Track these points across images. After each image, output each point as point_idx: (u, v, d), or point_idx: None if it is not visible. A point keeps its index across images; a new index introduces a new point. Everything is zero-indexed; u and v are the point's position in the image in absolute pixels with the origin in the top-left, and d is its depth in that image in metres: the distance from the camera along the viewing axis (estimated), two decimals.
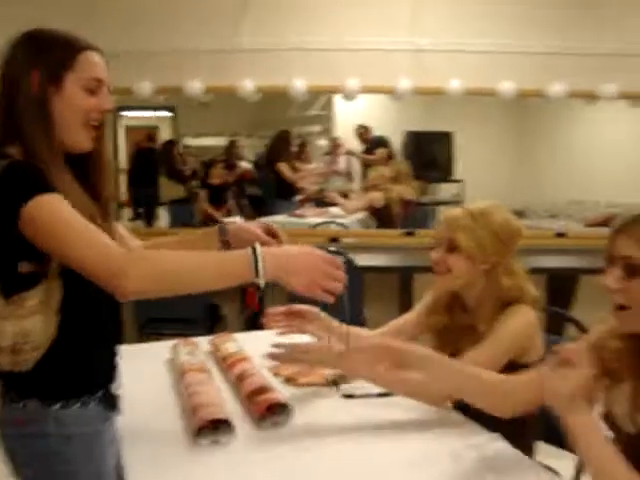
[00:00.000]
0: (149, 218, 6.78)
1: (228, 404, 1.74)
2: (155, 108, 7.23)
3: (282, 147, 6.14)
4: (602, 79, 4.81)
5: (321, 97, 6.21)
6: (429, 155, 6.78)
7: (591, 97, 4.93)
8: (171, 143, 6.71)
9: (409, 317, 2.12)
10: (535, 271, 4.12)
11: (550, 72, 4.79)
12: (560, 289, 4.45)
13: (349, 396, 1.89)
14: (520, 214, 7.05)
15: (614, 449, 1.25)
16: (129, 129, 8.29)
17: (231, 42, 4.64)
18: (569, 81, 4.78)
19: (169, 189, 6.45)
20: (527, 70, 4.77)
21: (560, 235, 5.16)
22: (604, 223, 6.61)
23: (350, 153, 6.55)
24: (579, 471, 1.85)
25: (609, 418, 1.39)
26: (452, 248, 1.86)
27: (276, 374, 2.05)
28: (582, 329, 2.21)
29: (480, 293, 1.89)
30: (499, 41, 4.70)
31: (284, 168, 6.07)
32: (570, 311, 3.67)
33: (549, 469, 1.61)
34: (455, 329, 1.94)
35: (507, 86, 4.73)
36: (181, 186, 6.37)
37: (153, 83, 4.68)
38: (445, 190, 6.88)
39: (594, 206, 7.01)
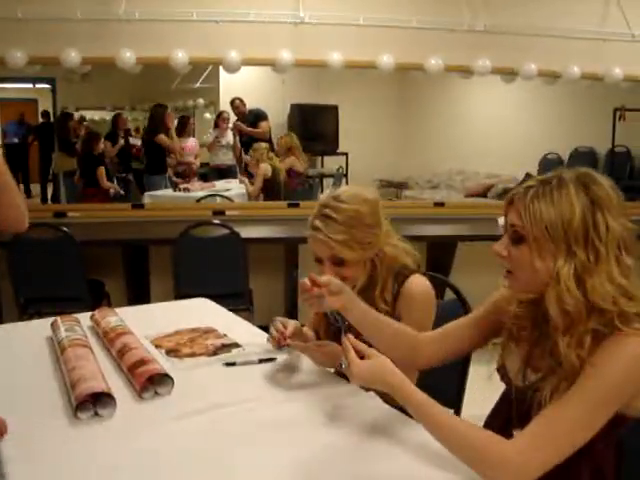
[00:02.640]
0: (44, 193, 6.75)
1: (110, 378, 1.73)
2: (34, 80, 6.96)
3: (158, 121, 6.04)
4: (476, 54, 4.99)
5: (206, 70, 6.15)
6: (315, 128, 6.86)
7: (466, 71, 5.11)
8: (66, 115, 6.51)
9: None
10: (416, 239, 4.29)
11: (427, 46, 4.92)
12: (439, 256, 4.64)
13: (231, 364, 1.93)
14: (402, 185, 7.29)
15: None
16: (3, 103, 7.93)
17: (109, 11, 4.50)
18: (445, 55, 4.94)
19: (62, 162, 6.33)
20: (405, 44, 4.88)
21: (439, 204, 5.35)
22: (483, 193, 6.94)
23: (237, 127, 6.55)
24: None
25: (501, 371, 1.52)
26: (340, 263, 1.88)
27: (158, 346, 2.05)
28: (459, 294, 2.33)
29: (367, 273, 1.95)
30: (378, 15, 4.78)
31: (163, 139, 6.00)
32: (449, 277, 3.85)
33: None
34: None
35: (386, 59, 4.83)
36: (73, 159, 6.21)
37: (27, 53, 4.47)
38: (331, 163, 6.99)
39: (474, 177, 7.32)
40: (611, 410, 1.26)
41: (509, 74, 5.20)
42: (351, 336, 1.50)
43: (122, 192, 5.90)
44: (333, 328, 2.00)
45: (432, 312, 1.92)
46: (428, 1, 5.02)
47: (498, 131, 7.02)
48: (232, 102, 6.48)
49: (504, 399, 1.56)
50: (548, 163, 6.84)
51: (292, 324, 1.97)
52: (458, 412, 2.17)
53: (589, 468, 1.35)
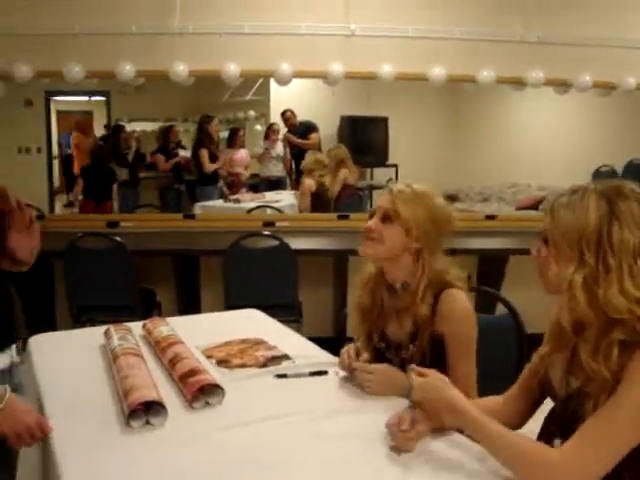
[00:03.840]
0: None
1: (161, 387, 1.75)
2: (89, 93, 7.13)
3: (203, 134, 6.10)
4: (529, 66, 4.94)
5: (257, 82, 6.21)
6: (365, 140, 6.85)
7: (519, 83, 5.05)
8: (118, 127, 6.65)
9: None
10: (466, 252, 4.24)
11: (479, 58, 4.89)
12: (490, 270, 4.57)
13: (282, 376, 1.92)
14: (453, 198, 7.21)
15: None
16: (60, 114, 8.13)
17: (162, 25, 4.58)
18: (497, 67, 4.90)
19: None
20: (457, 56, 4.86)
21: (490, 217, 5.28)
22: (534, 206, 6.83)
23: (287, 138, 6.59)
24: None
25: (544, 382, 1.54)
26: (389, 218, 1.89)
27: (209, 357, 2.06)
28: (510, 308, 2.29)
29: (406, 274, 1.92)
30: (429, 27, 4.77)
31: (204, 156, 6.04)
32: (500, 290, 3.79)
33: None
34: (382, 312, 1.98)
35: (437, 71, 4.81)
36: (125, 169, 6.34)
37: (84, 66, 4.58)
38: (380, 175, 6.96)
39: (526, 189, 7.20)
40: None
41: (562, 85, 5.12)
42: (414, 366, 1.58)
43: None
44: (376, 350, 1.99)
45: (475, 326, 1.89)
46: (479, 12, 4.98)
47: (550, 143, 6.91)
48: (283, 114, 6.52)
49: (550, 415, 1.55)
50: (601, 176, 6.70)
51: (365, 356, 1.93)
52: None
53: None
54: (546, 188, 6.96)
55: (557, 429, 1.44)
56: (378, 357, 1.96)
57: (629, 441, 1.27)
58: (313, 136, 6.39)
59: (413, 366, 1.57)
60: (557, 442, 1.37)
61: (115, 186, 5.84)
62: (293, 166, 6.62)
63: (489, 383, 1.86)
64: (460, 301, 1.88)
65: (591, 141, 6.56)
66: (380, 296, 1.98)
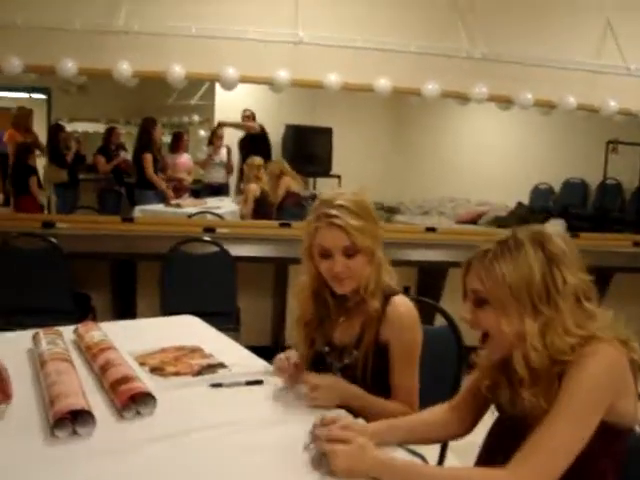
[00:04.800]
0: None
1: (91, 394, 1.68)
2: (29, 90, 6.93)
3: (146, 137, 6.00)
4: (473, 81, 5.01)
5: (203, 87, 6.14)
6: (309, 150, 6.86)
7: (463, 98, 5.12)
8: (57, 127, 6.49)
9: None
10: (406, 263, 4.24)
11: (424, 71, 4.94)
12: (430, 281, 4.61)
13: (217, 385, 1.88)
14: (394, 210, 7.27)
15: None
16: None
17: (108, 22, 4.48)
18: (442, 82, 4.95)
19: (52, 173, 6.27)
20: (403, 68, 4.89)
21: (430, 230, 5.33)
22: (473, 221, 6.93)
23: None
24: None
25: (492, 400, 1.55)
26: (352, 254, 1.82)
27: (142, 364, 2.00)
28: (449, 319, 2.30)
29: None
30: (377, 38, 4.79)
31: (148, 160, 5.93)
32: (439, 302, 3.81)
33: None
34: (329, 318, 1.95)
35: (383, 83, 4.84)
36: (64, 170, 6.20)
37: (23, 60, 4.44)
38: (323, 185, 6.97)
39: (465, 204, 7.32)
40: (594, 418, 1.30)
41: (505, 102, 5.22)
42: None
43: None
44: (317, 354, 1.96)
45: (421, 333, 1.88)
46: (427, 26, 5.04)
47: (491, 160, 7.04)
48: (243, 112, 6.43)
49: (496, 430, 1.57)
50: (539, 193, 6.86)
51: (294, 355, 1.92)
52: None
53: None
54: (485, 203, 7.09)
55: (503, 444, 1.43)
56: (318, 361, 1.93)
57: (575, 442, 1.29)
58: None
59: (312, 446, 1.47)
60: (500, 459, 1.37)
61: (34, 180, 5.69)
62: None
63: (428, 394, 1.86)
64: (407, 307, 1.87)
65: (530, 159, 6.71)
66: (324, 302, 1.94)
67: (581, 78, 5.16)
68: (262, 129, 6.43)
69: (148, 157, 5.90)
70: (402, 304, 1.87)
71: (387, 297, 1.87)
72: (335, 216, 1.79)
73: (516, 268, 1.35)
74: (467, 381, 1.67)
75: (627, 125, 5.59)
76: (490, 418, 1.60)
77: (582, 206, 6.69)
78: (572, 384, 1.31)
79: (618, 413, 1.33)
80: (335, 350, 1.92)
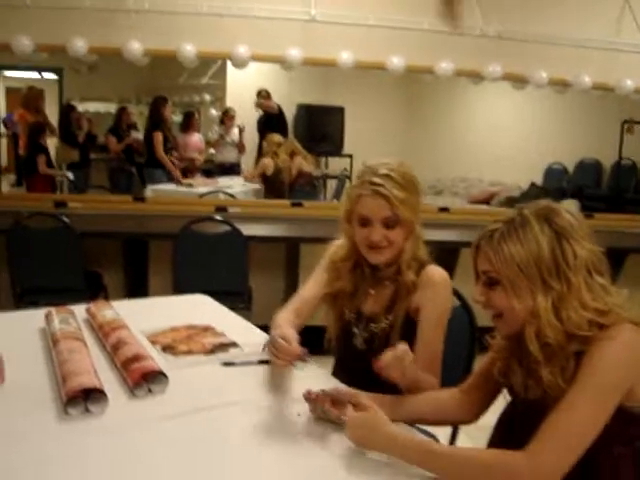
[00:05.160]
0: None
1: (103, 373, 1.68)
2: (41, 69, 6.92)
3: (156, 115, 5.97)
4: (487, 60, 4.95)
5: (213, 65, 6.10)
6: (321, 129, 6.81)
7: (477, 77, 5.06)
8: (69, 107, 6.49)
9: (312, 289, 2.00)
10: None
11: (437, 50, 4.88)
12: (442, 262, 4.58)
13: (229, 364, 1.87)
14: None
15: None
16: (10, 90, 7.86)
17: (118, 1, 4.45)
18: (456, 60, 4.89)
19: (64, 153, 6.29)
20: (416, 46, 4.84)
21: (443, 210, 5.29)
22: (486, 201, 6.89)
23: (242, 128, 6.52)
24: None
25: (505, 384, 1.53)
26: (392, 225, 1.82)
27: (154, 342, 2.00)
28: (462, 299, 2.28)
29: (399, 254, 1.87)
30: (389, 16, 4.74)
31: (159, 140, 5.91)
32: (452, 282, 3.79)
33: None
34: (357, 291, 1.94)
35: (396, 61, 4.79)
36: (76, 150, 6.21)
37: (34, 40, 4.42)
38: (335, 164, 6.94)
39: (478, 184, 7.26)
40: (614, 401, 1.27)
41: (519, 81, 5.16)
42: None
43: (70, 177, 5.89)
44: (344, 323, 1.95)
45: (452, 302, 1.89)
46: (441, 4, 4.96)
47: (504, 139, 6.97)
48: (259, 93, 6.38)
49: (507, 413, 1.55)
50: (553, 173, 6.80)
51: (293, 336, 1.69)
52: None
53: (608, 470, 1.34)
54: (498, 184, 7.03)
55: (515, 428, 1.43)
56: (344, 331, 1.93)
57: (594, 423, 1.26)
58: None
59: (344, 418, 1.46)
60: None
61: (42, 159, 5.68)
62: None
63: (441, 374, 1.84)
64: (441, 274, 1.87)
65: (544, 138, 6.64)
66: (361, 272, 1.94)
67: (597, 56, 5.08)
68: (279, 109, 6.39)
69: (158, 135, 5.87)
70: (437, 271, 1.88)
71: (421, 266, 1.88)
72: (380, 184, 1.79)
73: (524, 246, 1.35)
74: (479, 364, 1.65)
75: None
76: (501, 402, 1.58)
77: (596, 186, 6.64)
78: (592, 364, 1.28)
79: (636, 397, 1.30)
80: (362, 319, 1.92)
